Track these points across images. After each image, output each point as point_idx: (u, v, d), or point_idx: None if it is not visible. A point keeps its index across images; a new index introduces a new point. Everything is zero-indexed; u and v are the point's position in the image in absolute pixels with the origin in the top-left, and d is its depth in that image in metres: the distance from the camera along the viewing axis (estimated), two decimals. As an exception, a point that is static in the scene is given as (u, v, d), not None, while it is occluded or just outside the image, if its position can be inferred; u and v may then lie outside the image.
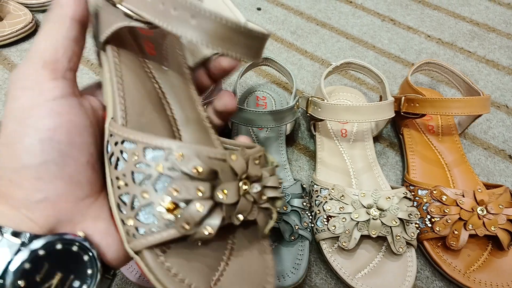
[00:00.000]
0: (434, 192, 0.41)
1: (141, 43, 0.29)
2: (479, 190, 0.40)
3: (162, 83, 0.28)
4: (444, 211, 0.39)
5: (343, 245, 0.37)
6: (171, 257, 0.20)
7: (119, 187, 0.21)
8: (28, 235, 0.18)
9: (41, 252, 0.18)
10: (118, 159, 0.21)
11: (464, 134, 0.54)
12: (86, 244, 0.20)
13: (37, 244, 0.18)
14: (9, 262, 0.17)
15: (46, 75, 0.21)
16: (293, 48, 0.66)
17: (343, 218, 0.38)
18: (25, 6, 0.68)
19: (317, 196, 0.41)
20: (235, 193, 0.21)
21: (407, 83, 0.49)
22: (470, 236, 0.38)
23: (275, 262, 0.35)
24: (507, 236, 0.38)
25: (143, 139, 0.21)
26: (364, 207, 0.38)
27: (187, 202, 0.19)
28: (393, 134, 0.54)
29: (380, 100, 0.53)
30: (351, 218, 0.37)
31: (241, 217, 0.21)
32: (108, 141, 0.22)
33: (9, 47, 0.65)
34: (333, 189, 0.40)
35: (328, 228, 0.38)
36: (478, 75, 0.62)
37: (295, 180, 0.43)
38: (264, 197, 0.23)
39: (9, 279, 0.17)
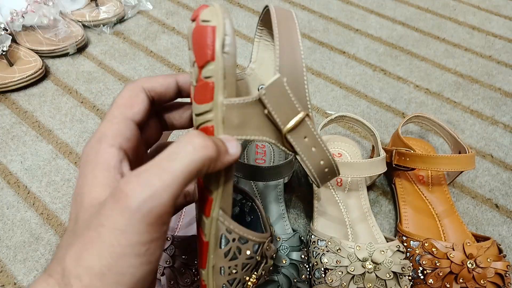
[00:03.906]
0: (426, 244, 0.43)
1: None
2: (468, 244, 0.42)
3: None
4: (435, 263, 0.41)
5: (340, 297, 0.39)
6: None
7: (229, 274, 0.27)
8: None
9: None
10: (234, 253, 0.27)
11: (453, 184, 0.56)
12: None
13: None
14: None
15: (170, 213, 0.20)
16: (290, 96, 0.69)
17: (340, 271, 0.39)
18: (35, 52, 0.71)
19: (314, 247, 0.43)
20: None
21: (398, 136, 0.52)
22: (461, 288, 0.40)
23: None
24: (495, 289, 0.40)
25: (252, 238, 0.28)
26: (360, 260, 0.40)
27: (261, 276, 0.30)
28: (386, 182, 0.57)
29: (372, 149, 0.56)
30: (347, 271, 0.39)
31: None
32: (225, 235, 0.27)
33: (17, 91, 0.67)
34: (329, 241, 0.41)
35: (325, 280, 0.40)
36: (464, 125, 0.66)
37: (293, 231, 0.44)
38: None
39: None
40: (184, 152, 0.20)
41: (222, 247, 0.26)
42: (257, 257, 0.29)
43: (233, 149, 0.24)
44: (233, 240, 0.27)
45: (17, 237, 0.49)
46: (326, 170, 0.28)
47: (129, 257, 0.19)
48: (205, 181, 0.25)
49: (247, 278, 0.28)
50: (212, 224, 0.25)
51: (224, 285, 0.28)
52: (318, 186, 0.30)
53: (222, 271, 0.27)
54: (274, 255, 0.32)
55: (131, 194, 0.19)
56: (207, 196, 0.25)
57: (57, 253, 0.21)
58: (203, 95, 0.24)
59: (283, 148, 0.26)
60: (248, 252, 0.27)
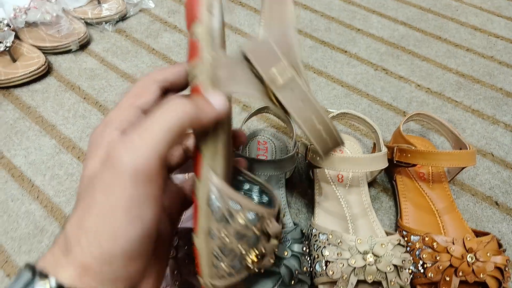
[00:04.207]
0: (426, 238, 0.43)
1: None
2: (468, 238, 0.42)
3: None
4: (435, 257, 0.41)
5: (341, 290, 0.39)
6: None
7: (220, 239, 0.26)
8: None
9: None
10: (222, 216, 0.26)
11: (453, 181, 0.57)
12: None
13: None
14: None
15: (157, 170, 0.21)
16: (291, 94, 0.70)
17: (341, 263, 0.40)
18: (38, 49, 0.72)
19: (315, 241, 0.43)
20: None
21: (399, 133, 0.53)
22: (461, 282, 0.40)
23: None
24: (495, 283, 0.40)
25: (248, 206, 0.26)
26: (361, 253, 0.40)
27: (263, 255, 0.28)
28: (387, 179, 0.57)
29: (374, 146, 0.56)
30: (348, 264, 0.39)
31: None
32: (211, 194, 0.26)
33: (20, 87, 0.68)
34: (331, 235, 0.42)
35: (326, 273, 0.40)
36: (465, 124, 0.66)
37: (295, 224, 0.45)
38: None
39: None
40: (161, 113, 0.22)
41: (212, 209, 0.25)
42: (255, 230, 0.27)
43: (217, 102, 0.24)
44: (224, 202, 0.25)
45: (22, 229, 0.49)
46: (322, 130, 0.26)
47: (119, 214, 0.20)
48: (196, 140, 0.26)
49: (244, 253, 0.27)
50: (202, 185, 0.25)
51: (216, 253, 0.26)
52: (322, 158, 0.30)
53: (213, 235, 0.26)
54: (281, 236, 0.31)
55: (117, 155, 0.20)
56: (197, 155, 0.26)
57: (63, 227, 0.22)
58: (192, 55, 0.25)
59: (271, 104, 0.26)
60: (241, 220, 0.26)
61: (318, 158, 0.47)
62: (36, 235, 0.49)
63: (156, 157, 0.21)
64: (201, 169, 0.26)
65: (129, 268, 0.21)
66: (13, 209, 0.51)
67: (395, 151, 0.50)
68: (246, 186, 0.33)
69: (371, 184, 0.56)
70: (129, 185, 0.20)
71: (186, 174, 0.41)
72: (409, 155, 0.48)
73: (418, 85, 0.73)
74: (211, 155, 0.26)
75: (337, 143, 0.27)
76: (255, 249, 0.27)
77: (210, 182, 0.25)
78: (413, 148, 0.49)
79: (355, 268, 0.39)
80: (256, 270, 0.28)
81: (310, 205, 0.53)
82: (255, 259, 0.27)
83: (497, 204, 0.55)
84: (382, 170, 0.52)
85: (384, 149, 0.48)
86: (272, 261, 0.30)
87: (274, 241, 0.29)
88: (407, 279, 0.40)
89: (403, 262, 0.40)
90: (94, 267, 0.20)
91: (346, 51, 0.79)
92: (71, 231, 0.21)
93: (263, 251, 0.28)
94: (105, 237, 0.20)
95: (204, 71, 0.25)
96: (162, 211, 0.24)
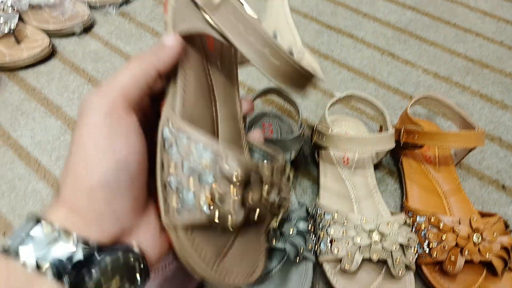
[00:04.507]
0: (432, 219, 0.43)
1: (204, 38, 0.32)
2: (475, 219, 0.42)
3: (214, 80, 0.31)
4: (441, 237, 0.41)
5: (346, 268, 0.39)
6: (195, 234, 0.24)
7: (169, 171, 0.24)
8: (96, 244, 0.22)
9: (108, 260, 0.22)
10: (171, 146, 0.25)
11: (459, 164, 0.56)
12: (140, 256, 0.24)
13: (104, 251, 0.22)
14: (82, 264, 0.21)
15: (124, 108, 0.24)
16: (297, 78, 0.69)
17: (346, 241, 0.40)
18: (43, 31, 0.72)
19: (320, 220, 0.43)
20: (258, 199, 0.25)
21: (406, 115, 0.52)
22: (466, 262, 0.40)
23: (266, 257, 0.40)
24: (501, 263, 0.40)
25: (196, 137, 0.24)
26: (366, 231, 0.40)
27: (222, 200, 0.24)
28: (392, 162, 0.57)
29: (380, 130, 0.56)
30: (353, 242, 0.39)
31: (256, 217, 0.26)
32: (164, 127, 0.26)
33: (26, 69, 0.68)
34: (336, 213, 0.42)
35: (331, 251, 0.40)
36: (473, 108, 0.65)
37: (300, 204, 0.45)
38: (275, 204, 0.28)
39: (80, 277, 0.21)
40: (125, 65, 0.26)
41: (164, 140, 0.25)
42: (203, 165, 0.24)
43: (169, 42, 0.27)
44: (172, 134, 0.25)
45: (29, 207, 0.49)
46: (268, 54, 0.24)
47: (90, 147, 0.23)
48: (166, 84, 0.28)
49: (193, 189, 0.24)
50: (160, 121, 0.26)
51: (164, 185, 0.24)
52: (284, 89, 0.29)
53: (162, 165, 0.25)
54: (264, 189, 0.26)
55: (88, 100, 0.24)
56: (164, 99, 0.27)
57: None
58: (165, 6, 0.29)
59: (215, 34, 0.25)
60: (192, 155, 0.24)
61: (324, 139, 0.47)
62: (42, 213, 0.49)
63: (122, 98, 0.24)
64: (163, 107, 0.27)
65: (113, 206, 0.23)
66: (20, 187, 0.51)
67: (402, 132, 0.50)
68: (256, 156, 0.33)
69: (376, 166, 0.55)
70: (97, 122, 0.23)
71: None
72: (416, 136, 0.48)
73: (426, 70, 0.72)
74: (172, 94, 0.27)
75: (297, 70, 0.25)
76: (207, 189, 0.24)
77: (164, 116, 0.26)
78: (421, 129, 0.48)
79: (360, 246, 0.39)
80: (217, 221, 0.24)
81: (315, 187, 0.53)
82: (208, 201, 0.23)
83: (503, 187, 0.54)
84: (388, 152, 0.52)
85: (392, 130, 0.47)
86: (236, 216, 0.24)
87: (236, 190, 0.24)
88: (412, 258, 0.40)
89: (409, 241, 0.40)
90: (78, 204, 0.22)
91: (352, 36, 0.78)
92: (61, 181, 0.24)
93: (219, 192, 0.23)
94: (81, 171, 0.22)
95: (169, 17, 0.28)
96: (143, 147, 0.25)
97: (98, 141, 0.23)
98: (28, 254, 0.20)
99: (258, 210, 0.26)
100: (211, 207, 0.24)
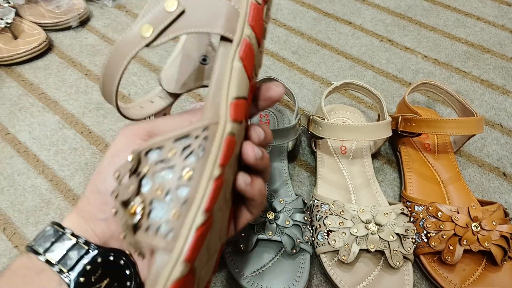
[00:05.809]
0: (430, 208, 0.42)
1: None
2: (473, 207, 0.41)
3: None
4: (439, 226, 0.41)
5: (343, 259, 0.39)
6: None
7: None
8: (92, 245, 0.23)
9: (99, 260, 0.23)
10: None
11: (459, 152, 0.56)
12: (129, 260, 0.24)
13: (97, 252, 0.23)
14: (77, 262, 0.22)
15: (145, 136, 0.27)
16: (294, 67, 0.68)
17: (343, 232, 0.40)
18: (39, 25, 0.71)
19: (317, 211, 0.43)
20: None
21: (404, 103, 0.52)
22: (465, 251, 0.40)
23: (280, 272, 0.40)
24: (500, 252, 0.40)
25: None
26: (363, 222, 0.40)
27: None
28: (391, 151, 0.57)
29: (378, 118, 0.55)
30: (350, 233, 0.39)
31: None
32: None
33: (23, 64, 0.68)
34: (333, 204, 0.42)
35: (328, 242, 0.40)
36: (473, 95, 0.64)
37: (296, 195, 0.45)
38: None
39: (74, 274, 0.22)
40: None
41: None
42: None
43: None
44: None
45: (29, 202, 0.50)
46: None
47: (106, 163, 0.26)
48: None
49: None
50: None
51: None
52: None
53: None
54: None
55: (124, 127, 0.27)
56: None
57: None
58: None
59: None
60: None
61: (320, 128, 0.47)
62: (42, 207, 0.49)
63: (145, 132, 0.27)
64: None
65: (106, 213, 0.25)
66: (19, 183, 0.52)
67: (399, 120, 0.49)
68: None
69: (374, 156, 0.55)
70: (118, 141, 0.26)
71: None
72: (414, 124, 0.47)
73: (425, 56, 0.71)
74: None
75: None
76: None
77: None
78: (418, 117, 0.47)
79: (357, 237, 0.39)
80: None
81: (312, 178, 0.53)
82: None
83: (504, 175, 0.54)
84: (385, 141, 0.51)
85: (388, 118, 0.47)
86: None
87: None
88: (410, 248, 0.40)
89: (406, 231, 0.40)
90: (81, 206, 0.25)
91: (350, 23, 0.77)
92: (86, 191, 0.26)
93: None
94: (94, 178, 0.26)
95: None
96: None
97: (113, 158, 0.26)
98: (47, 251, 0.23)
99: None
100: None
